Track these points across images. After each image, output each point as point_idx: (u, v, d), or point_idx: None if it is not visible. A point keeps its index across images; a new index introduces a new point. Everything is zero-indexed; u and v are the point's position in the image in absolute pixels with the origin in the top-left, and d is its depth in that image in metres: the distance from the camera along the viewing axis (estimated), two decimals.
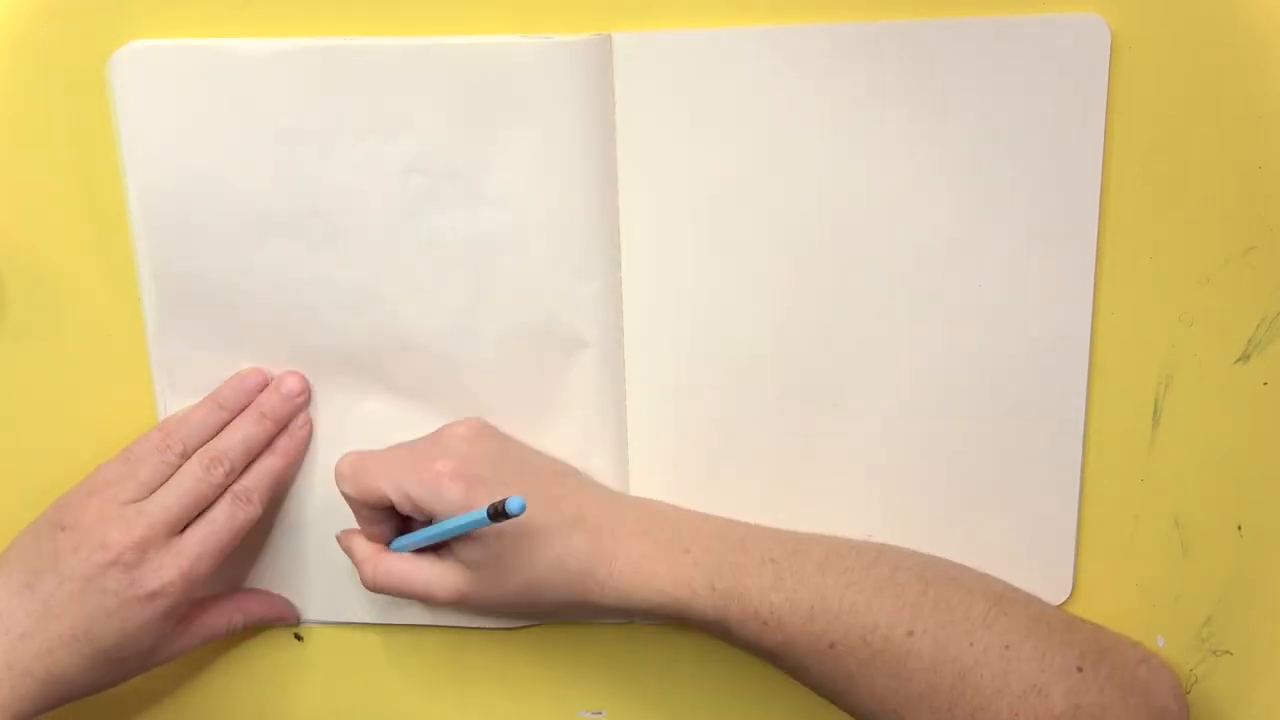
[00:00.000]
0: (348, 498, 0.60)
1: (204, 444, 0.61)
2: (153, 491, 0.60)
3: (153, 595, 0.58)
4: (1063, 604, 0.67)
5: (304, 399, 0.63)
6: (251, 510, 0.61)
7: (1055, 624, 0.60)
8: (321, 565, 0.66)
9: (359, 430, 0.64)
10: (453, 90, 0.59)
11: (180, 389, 0.64)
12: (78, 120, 0.61)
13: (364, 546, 0.62)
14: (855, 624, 0.57)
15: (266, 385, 0.63)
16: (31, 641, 0.57)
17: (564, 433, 0.64)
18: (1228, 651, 0.68)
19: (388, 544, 0.62)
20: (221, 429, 0.62)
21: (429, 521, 0.59)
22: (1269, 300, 0.63)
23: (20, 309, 0.63)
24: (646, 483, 0.65)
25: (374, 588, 0.61)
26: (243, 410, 0.62)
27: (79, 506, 0.60)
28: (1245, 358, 0.64)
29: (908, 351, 0.63)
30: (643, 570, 0.59)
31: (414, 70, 0.59)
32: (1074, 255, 0.62)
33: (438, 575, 0.60)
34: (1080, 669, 0.58)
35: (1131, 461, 0.66)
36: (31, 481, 0.64)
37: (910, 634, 0.57)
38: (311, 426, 0.64)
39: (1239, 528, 0.67)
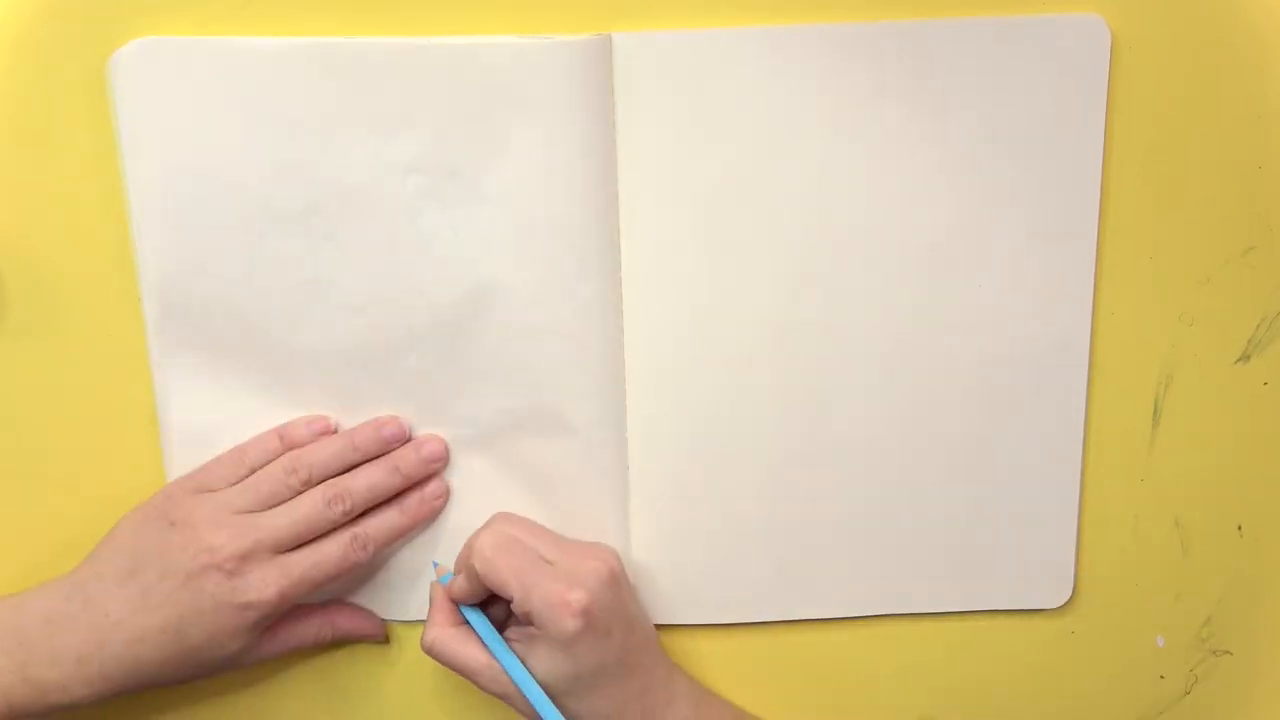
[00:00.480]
0: (471, 572, 0.61)
1: (329, 477, 0.62)
2: (268, 508, 0.61)
3: (247, 606, 0.59)
4: (1063, 604, 0.67)
5: (440, 465, 0.64)
6: (364, 557, 0.62)
7: None
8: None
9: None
10: (453, 90, 0.59)
11: (180, 389, 0.64)
12: (78, 119, 0.61)
13: (444, 611, 0.63)
14: None
15: (403, 437, 0.64)
16: (125, 628, 0.58)
17: (565, 432, 0.64)
18: (1228, 651, 0.68)
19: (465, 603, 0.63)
20: (348, 468, 0.63)
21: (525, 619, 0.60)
22: (1269, 300, 0.63)
23: (20, 309, 0.63)
24: (646, 481, 0.65)
25: (429, 649, 0.62)
26: (373, 455, 0.63)
27: (192, 505, 0.60)
28: (1245, 358, 0.64)
29: (908, 352, 0.63)
30: None
31: (414, 70, 0.59)
32: (1074, 255, 0.62)
33: (491, 671, 0.61)
34: None
35: (1131, 461, 0.66)
36: (31, 481, 0.64)
37: None
38: (447, 499, 0.65)
39: (1239, 528, 0.67)
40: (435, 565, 0.65)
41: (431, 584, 0.64)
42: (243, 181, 0.61)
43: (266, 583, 0.59)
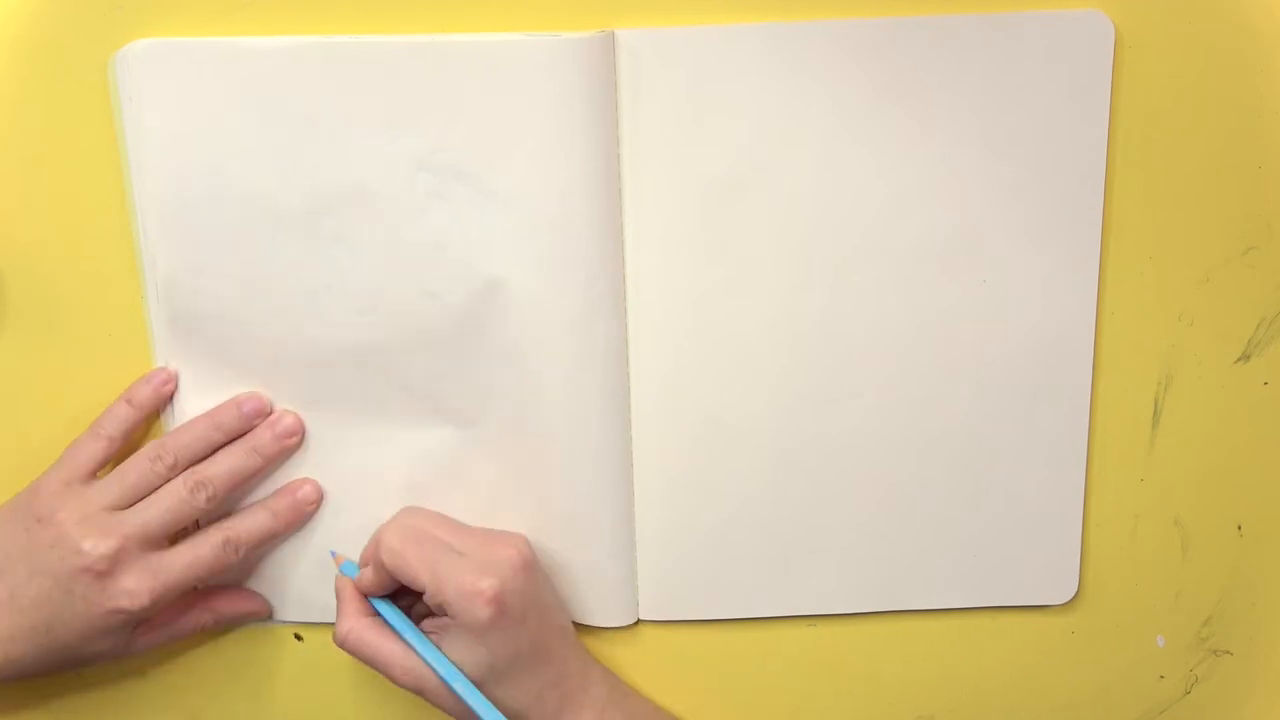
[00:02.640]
0: (379, 565, 0.60)
1: (195, 461, 0.62)
2: (135, 500, 0.60)
3: (117, 610, 0.59)
4: (1066, 604, 0.67)
5: (295, 441, 0.64)
6: (235, 560, 0.62)
7: None
8: (320, 566, 0.66)
9: (363, 428, 0.64)
10: (457, 88, 0.59)
11: (185, 388, 0.64)
12: (80, 119, 0.61)
13: (354, 602, 0.62)
14: None
15: (264, 413, 0.63)
16: None
17: (567, 431, 0.64)
18: (1228, 651, 0.68)
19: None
20: (214, 449, 0.62)
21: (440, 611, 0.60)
22: (1269, 300, 0.63)
23: (21, 309, 0.63)
24: (649, 478, 0.65)
25: (342, 643, 0.61)
26: (238, 433, 0.63)
27: (59, 501, 0.59)
28: (1245, 358, 0.64)
29: (910, 350, 0.63)
30: None
31: (418, 68, 0.59)
32: (1077, 253, 0.62)
33: (406, 662, 0.60)
34: None
35: (1132, 461, 0.66)
36: (31, 481, 0.64)
37: None
38: (319, 504, 0.65)
39: (1239, 528, 0.67)
40: (333, 555, 0.65)
41: (337, 578, 0.64)
42: (248, 182, 0.60)
43: (139, 586, 0.59)
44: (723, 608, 0.67)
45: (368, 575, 0.62)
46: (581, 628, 0.67)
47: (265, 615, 0.66)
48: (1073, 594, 0.67)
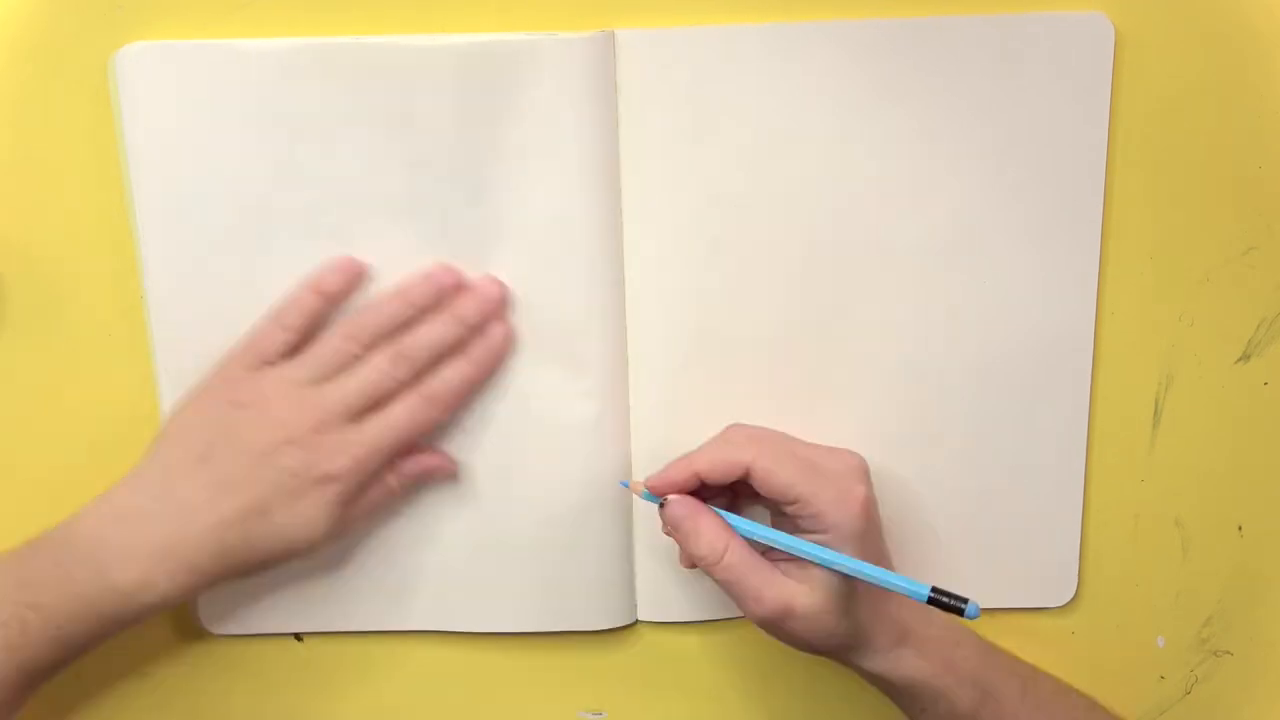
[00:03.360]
0: (734, 464, 0.58)
1: (386, 337, 0.60)
2: (330, 378, 0.60)
3: (326, 478, 0.58)
4: (1065, 604, 0.67)
5: (501, 306, 0.62)
6: (436, 414, 0.61)
7: None
8: (332, 577, 0.66)
9: None
10: (455, 88, 0.59)
11: (184, 388, 0.63)
12: (79, 119, 0.61)
13: (711, 514, 0.59)
14: None
15: (458, 284, 0.61)
16: (206, 513, 0.57)
17: (568, 430, 0.64)
18: (1228, 651, 0.68)
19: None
20: (405, 326, 0.61)
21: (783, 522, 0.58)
22: (1269, 300, 0.63)
23: (20, 309, 0.63)
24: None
25: (722, 555, 0.58)
26: (430, 308, 0.61)
27: (255, 383, 0.59)
28: (1245, 358, 0.64)
29: (911, 351, 0.63)
30: (924, 650, 0.60)
31: (417, 68, 0.59)
32: (1077, 254, 0.62)
33: (779, 586, 0.57)
34: None
35: (1132, 461, 0.66)
36: (32, 482, 0.64)
37: None
38: (511, 338, 0.62)
39: (1239, 528, 0.67)
40: (625, 485, 0.64)
41: (669, 505, 0.59)
42: (246, 181, 0.61)
43: (341, 453, 0.58)
44: (721, 608, 0.67)
45: (706, 461, 0.58)
46: (580, 630, 0.66)
47: (451, 472, 0.64)
48: (1071, 596, 0.67)
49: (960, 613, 0.55)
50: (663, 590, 0.66)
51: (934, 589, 0.55)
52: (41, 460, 0.63)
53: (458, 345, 0.61)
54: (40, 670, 0.56)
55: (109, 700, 0.68)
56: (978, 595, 0.66)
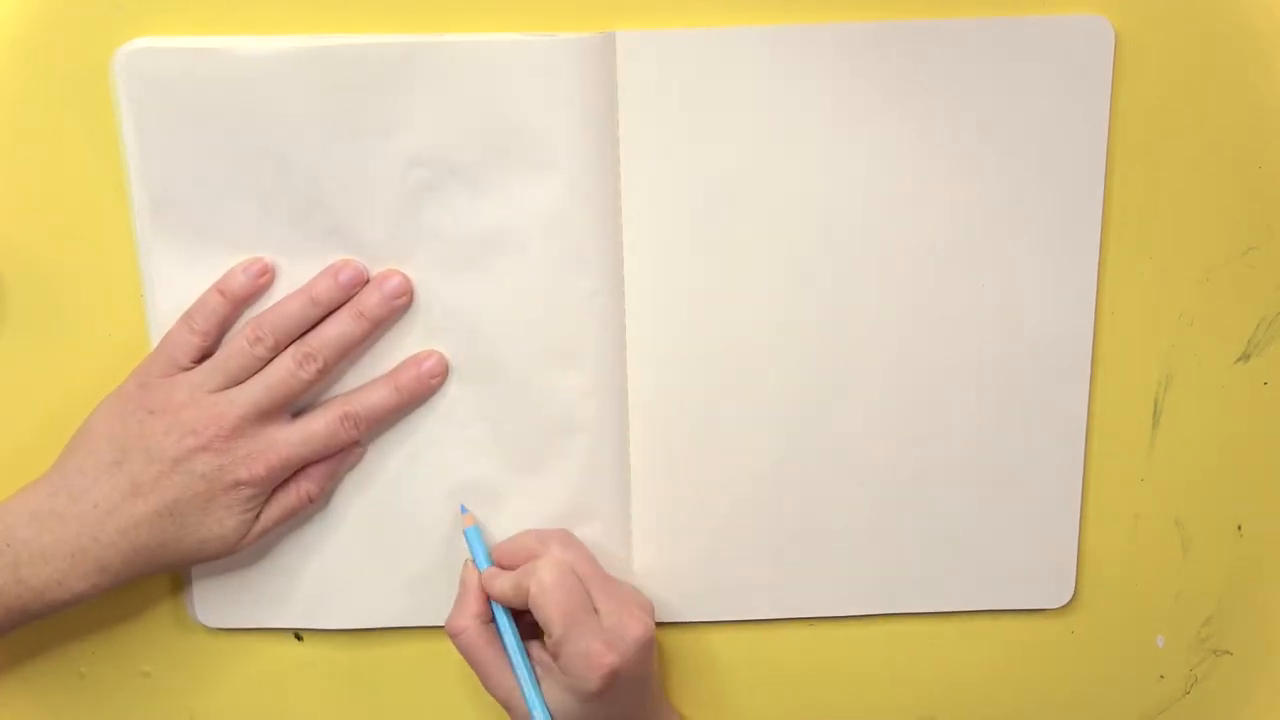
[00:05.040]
0: (521, 589, 0.61)
1: (293, 337, 0.61)
2: (241, 382, 0.60)
3: (237, 483, 0.60)
4: (1064, 605, 0.67)
5: (405, 301, 0.62)
6: (355, 435, 0.62)
7: None
8: (322, 572, 0.66)
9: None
10: (455, 87, 0.59)
11: None
12: (79, 118, 0.61)
13: (477, 602, 0.63)
14: None
15: (363, 280, 0.62)
16: (118, 516, 0.59)
17: (566, 430, 0.64)
18: (1228, 651, 0.68)
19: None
20: (313, 325, 0.61)
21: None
22: (1269, 300, 0.63)
23: (20, 309, 0.63)
24: (647, 479, 0.65)
25: (454, 636, 0.62)
26: (337, 305, 0.62)
27: (167, 391, 0.60)
28: (1245, 358, 0.64)
29: (909, 351, 0.63)
30: None
31: (418, 68, 0.59)
32: (1077, 254, 0.62)
33: (506, 681, 0.62)
34: None
35: (1132, 461, 0.66)
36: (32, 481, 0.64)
37: None
38: (445, 377, 0.63)
39: (1239, 528, 0.67)
40: (464, 511, 0.65)
41: (466, 565, 0.64)
42: (245, 179, 0.61)
43: (254, 459, 0.60)
44: (721, 610, 0.67)
45: (503, 587, 0.62)
46: None
47: (358, 457, 0.65)
48: (1069, 598, 0.67)
49: None
50: (665, 591, 0.66)
51: None
52: (41, 460, 0.63)
53: (363, 340, 0.62)
54: None
55: (108, 700, 0.68)
56: (976, 596, 0.67)
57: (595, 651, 0.59)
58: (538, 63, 0.59)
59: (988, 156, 0.61)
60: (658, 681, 0.65)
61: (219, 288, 0.61)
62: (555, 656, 0.60)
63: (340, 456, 0.64)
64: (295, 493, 0.63)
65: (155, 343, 0.63)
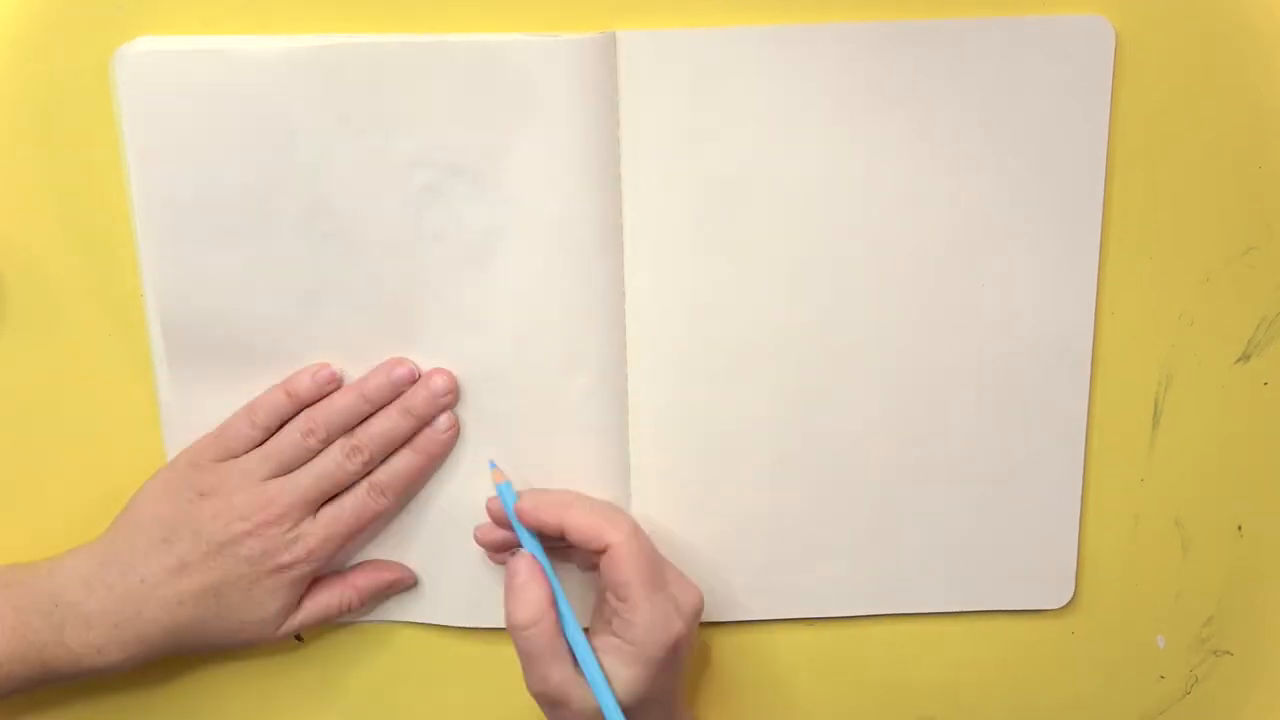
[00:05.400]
0: (588, 534, 0.59)
1: (345, 430, 0.63)
2: (289, 471, 0.62)
3: (281, 567, 0.61)
4: (1065, 605, 0.67)
5: (450, 399, 0.63)
6: (384, 503, 0.63)
7: None
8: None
9: None
10: (457, 87, 0.59)
11: (184, 388, 0.63)
12: (79, 118, 0.60)
13: (546, 594, 0.60)
14: None
15: (414, 379, 0.63)
16: (163, 591, 0.61)
17: (566, 429, 0.64)
18: (1228, 651, 0.68)
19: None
20: (362, 419, 0.63)
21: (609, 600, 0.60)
22: (1269, 300, 0.63)
23: (20, 309, 0.63)
24: (647, 478, 0.65)
25: (525, 626, 0.59)
26: (386, 402, 0.63)
27: (220, 476, 0.62)
28: (1245, 358, 0.64)
29: (909, 351, 0.63)
30: None
31: (419, 68, 0.59)
32: (1077, 254, 0.62)
33: (562, 674, 0.59)
34: None
35: (1132, 461, 0.66)
36: (32, 482, 0.64)
37: None
38: (458, 430, 0.64)
39: (1239, 528, 0.67)
40: (493, 466, 0.64)
41: (516, 557, 0.61)
42: (247, 179, 0.60)
43: (296, 543, 0.61)
44: (721, 611, 0.67)
45: (581, 521, 0.60)
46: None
47: (410, 584, 0.67)
48: (1068, 599, 0.67)
49: None
50: None
51: None
52: (40, 460, 0.63)
53: (408, 435, 0.63)
54: None
55: (108, 700, 0.68)
56: (976, 596, 0.67)
57: (669, 617, 0.59)
58: (538, 63, 0.59)
59: (988, 156, 0.61)
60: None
61: (286, 389, 0.63)
62: (627, 622, 0.59)
63: (389, 580, 0.66)
64: (339, 599, 0.65)
65: (156, 344, 0.63)
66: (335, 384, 0.63)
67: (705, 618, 0.66)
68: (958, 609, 0.67)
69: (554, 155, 0.60)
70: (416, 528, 0.65)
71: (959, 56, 0.59)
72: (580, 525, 0.60)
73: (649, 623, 0.59)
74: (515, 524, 0.61)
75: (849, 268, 0.62)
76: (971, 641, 0.68)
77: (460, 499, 0.65)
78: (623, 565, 0.59)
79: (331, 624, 0.67)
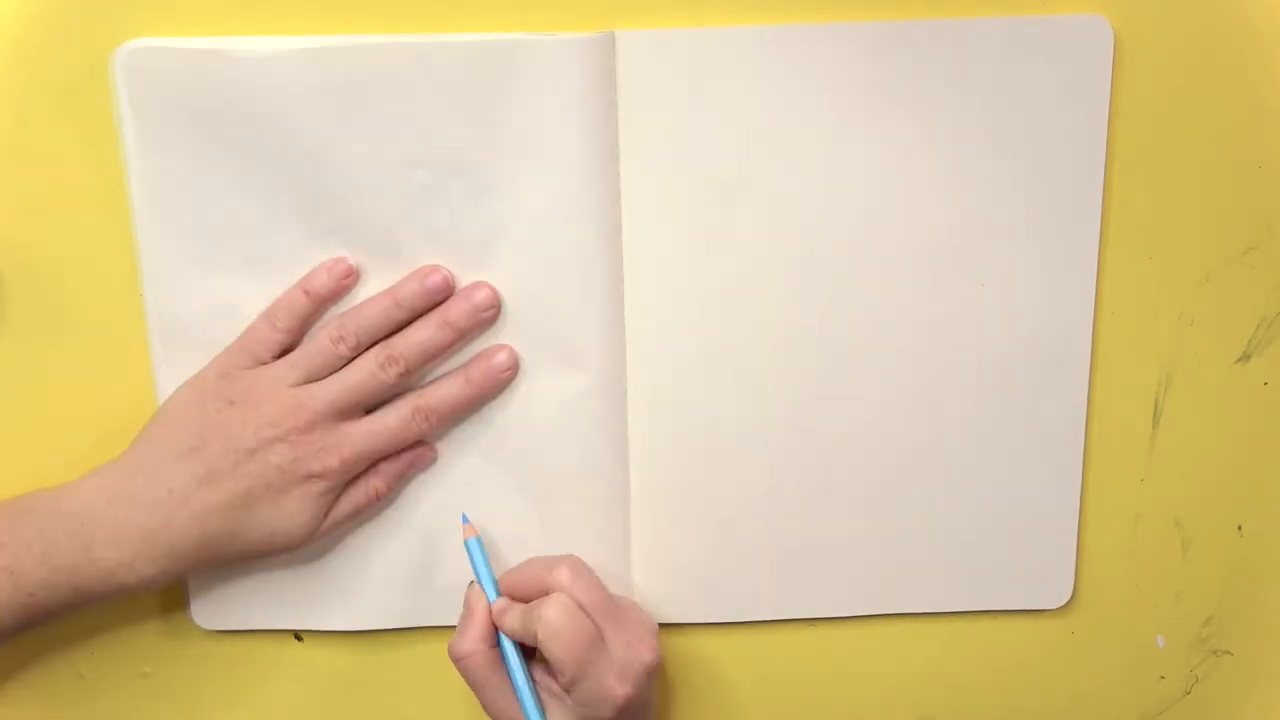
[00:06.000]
0: (529, 631, 0.60)
1: (377, 340, 0.61)
2: (321, 378, 0.61)
3: (311, 476, 0.60)
4: (1064, 605, 0.67)
5: (493, 314, 0.62)
6: (426, 428, 0.62)
7: None
8: (322, 573, 0.66)
9: None
10: (456, 87, 0.59)
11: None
12: (79, 118, 0.61)
13: (483, 626, 0.62)
14: None
15: (450, 288, 0.62)
16: (192, 502, 0.59)
17: (566, 430, 0.64)
18: (1228, 651, 0.68)
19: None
20: (398, 327, 0.62)
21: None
22: (1269, 300, 0.63)
23: (20, 309, 0.63)
24: (646, 479, 0.65)
25: (458, 660, 0.62)
26: (421, 311, 0.62)
27: (249, 383, 0.61)
28: (1245, 358, 0.64)
29: (909, 351, 0.63)
30: None
31: (418, 67, 0.59)
32: (1076, 254, 0.62)
33: (509, 710, 0.61)
34: None
35: (1131, 461, 0.66)
36: (33, 482, 0.64)
37: None
38: (516, 370, 0.63)
39: (1239, 528, 0.67)
40: (465, 520, 0.64)
41: (471, 588, 0.63)
42: (246, 178, 0.61)
43: (328, 452, 0.60)
44: (720, 611, 0.67)
45: (512, 621, 0.61)
46: None
47: (430, 458, 0.65)
48: (1067, 598, 0.67)
49: None
50: (665, 592, 0.66)
51: None
52: (41, 460, 0.63)
53: (447, 349, 0.62)
54: (2, 633, 0.58)
55: (108, 700, 0.68)
56: (976, 596, 0.67)
57: (609, 686, 0.59)
58: (538, 62, 0.59)
59: (987, 156, 0.61)
60: (653, 711, 0.65)
61: (304, 286, 0.61)
62: (568, 691, 0.60)
63: (412, 458, 0.64)
64: (365, 489, 0.63)
65: (155, 344, 0.63)
66: (352, 278, 0.62)
67: (705, 619, 0.67)
68: (957, 609, 0.67)
69: (553, 154, 0.60)
70: (413, 532, 0.65)
71: (958, 56, 0.59)
72: (513, 627, 0.61)
73: (587, 692, 0.59)
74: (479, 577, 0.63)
75: (848, 267, 0.62)
76: (971, 641, 0.68)
77: (458, 502, 0.65)
78: (550, 649, 0.59)
79: (360, 519, 0.65)
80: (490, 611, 0.62)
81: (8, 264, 0.62)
